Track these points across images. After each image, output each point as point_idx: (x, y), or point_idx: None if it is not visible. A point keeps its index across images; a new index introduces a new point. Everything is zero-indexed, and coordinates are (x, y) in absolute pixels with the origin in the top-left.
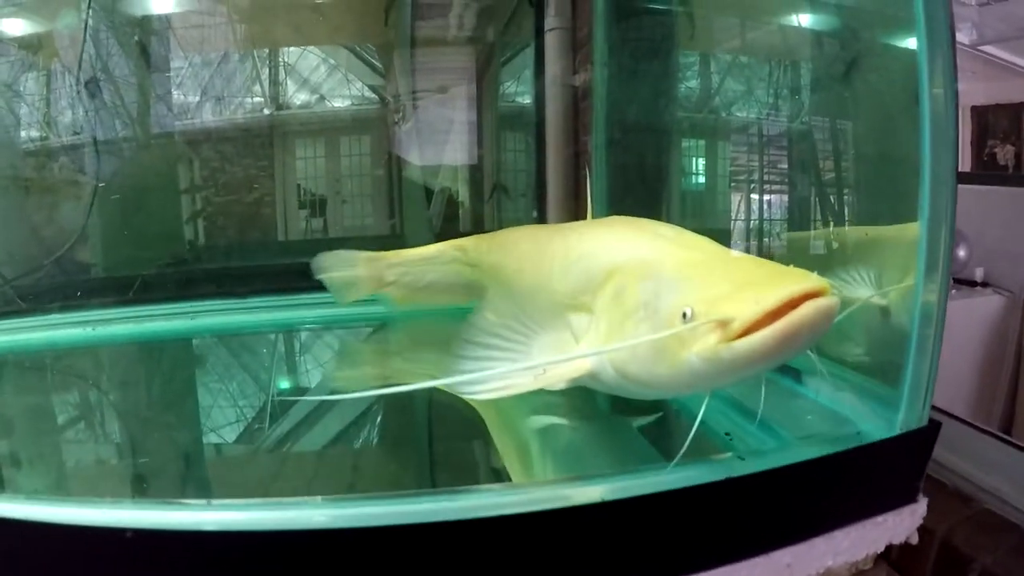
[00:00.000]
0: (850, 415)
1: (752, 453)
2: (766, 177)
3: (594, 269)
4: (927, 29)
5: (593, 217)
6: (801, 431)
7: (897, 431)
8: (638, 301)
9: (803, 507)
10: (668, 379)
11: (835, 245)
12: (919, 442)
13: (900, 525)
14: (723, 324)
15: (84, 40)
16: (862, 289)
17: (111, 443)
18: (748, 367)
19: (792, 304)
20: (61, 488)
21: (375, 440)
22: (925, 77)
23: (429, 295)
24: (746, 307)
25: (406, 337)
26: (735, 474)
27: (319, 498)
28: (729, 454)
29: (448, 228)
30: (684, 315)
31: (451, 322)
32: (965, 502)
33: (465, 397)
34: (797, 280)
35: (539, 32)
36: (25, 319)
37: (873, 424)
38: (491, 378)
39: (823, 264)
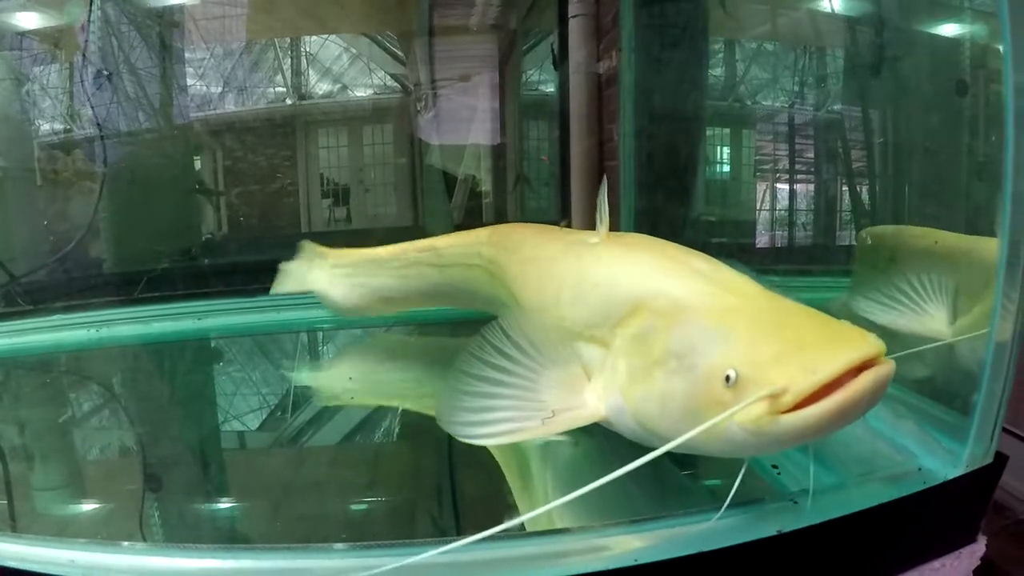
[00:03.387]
0: (910, 444)
1: (805, 494)
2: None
3: (614, 300)
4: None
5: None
6: (855, 462)
7: (963, 468)
8: (669, 350)
9: (859, 558)
10: (702, 444)
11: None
12: (985, 479)
13: (957, 569)
14: (773, 395)
15: (88, 31)
16: (926, 314)
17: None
18: (796, 441)
19: (848, 372)
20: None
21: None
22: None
23: (385, 305)
24: (800, 377)
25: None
26: (787, 528)
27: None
28: (781, 498)
29: (469, 219)
30: (727, 378)
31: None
32: (999, 512)
33: (465, 440)
34: (853, 344)
35: (562, 19)
36: (31, 320)
37: (934, 455)
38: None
39: (888, 272)
